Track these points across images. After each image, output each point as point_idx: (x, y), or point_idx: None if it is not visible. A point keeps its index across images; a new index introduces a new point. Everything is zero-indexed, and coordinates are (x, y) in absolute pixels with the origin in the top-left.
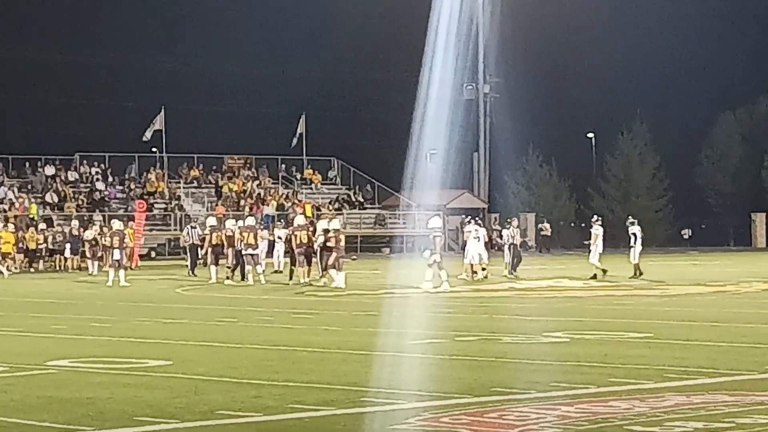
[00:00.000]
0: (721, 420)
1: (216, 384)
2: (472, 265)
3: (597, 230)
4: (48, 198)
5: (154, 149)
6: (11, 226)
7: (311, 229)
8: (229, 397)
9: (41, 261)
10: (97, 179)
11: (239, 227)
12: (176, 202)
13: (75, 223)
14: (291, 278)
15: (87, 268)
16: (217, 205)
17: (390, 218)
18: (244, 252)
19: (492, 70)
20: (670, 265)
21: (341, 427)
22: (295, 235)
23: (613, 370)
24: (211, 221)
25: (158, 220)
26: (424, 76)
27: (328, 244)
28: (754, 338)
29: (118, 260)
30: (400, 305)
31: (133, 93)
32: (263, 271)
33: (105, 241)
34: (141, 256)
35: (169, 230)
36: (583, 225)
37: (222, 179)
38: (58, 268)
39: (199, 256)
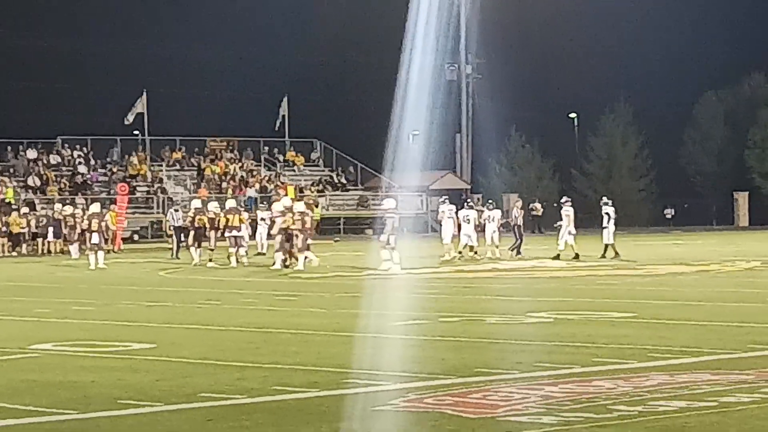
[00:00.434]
0: (704, 399)
1: (200, 366)
2: (468, 246)
3: (567, 211)
4: (30, 182)
5: (136, 132)
6: None
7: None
8: (213, 379)
9: (24, 245)
10: (80, 163)
11: (224, 210)
12: (159, 184)
13: (58, 206)
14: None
15: (69, 252)
16: (199, 187)
17: (373, 200)
18: (227, 234)
19: (474, 50)
20: (653, 245)
21: (325, 409)
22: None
23: (597, 350)
24: (196, 203)
25: (141, 203)
26: (405, 57)
27: (293, 226)
28: (737, 317)
29: (96, 243)
30: (384, 287)
31: (114, 76)
32: (246, 253)
33: (84, 224)
34: (124, 239)
35: (152, 213)
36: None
37: (204, 162)
38: (41, 251)
39: (182, 240)
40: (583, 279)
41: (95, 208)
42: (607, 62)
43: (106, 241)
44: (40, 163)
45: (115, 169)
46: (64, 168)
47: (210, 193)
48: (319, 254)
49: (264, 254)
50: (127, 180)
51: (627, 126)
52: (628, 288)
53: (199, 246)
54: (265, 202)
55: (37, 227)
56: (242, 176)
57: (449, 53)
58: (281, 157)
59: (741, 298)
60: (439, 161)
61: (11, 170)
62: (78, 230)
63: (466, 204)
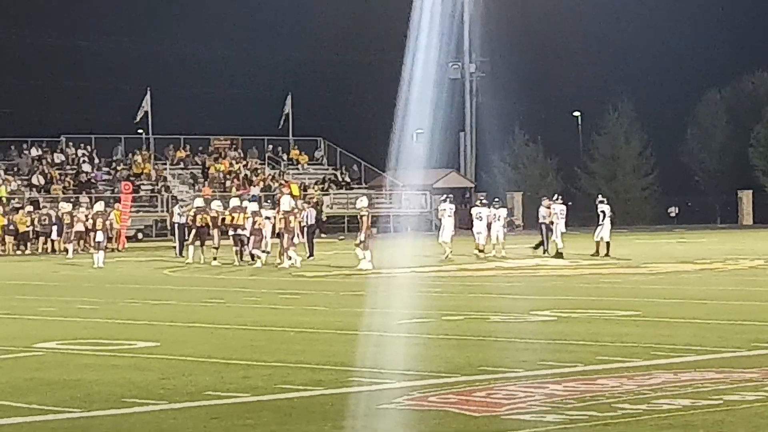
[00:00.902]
0: (708, 397)
1: (204, 365)
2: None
3: (560, 208)
4: (34, 180)
5: (140, 131)
6: None
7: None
8: (218, 377)
9: (28, 243)
10: (84, 161)
11: (229, 210)
12: (163, 183)
13: (62, 205)
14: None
15: (67, 251)
16: (204, 186)
17: (377, 198)
18: (231, 233)
19: (477, 49)
20: (656, 243)
21: (330, 407)
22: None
23: (601, 349)
24: (198, 202)
25: (145, 202)
26: (409, 56)
27: (278, 226)
28: (741, 315)
29: (100, 242)
30: (387, 285)
31: (118, 75)
32: (269, 252)
33: (88, 223)
34: (128, 238)
35: (156, 212)
36: (570, 203)
37: (209, 160)
38: (44, 250)
39: (186, 237)
40: (586, 277)
41: (99, 206)
42: (611, 60)
43: (110, 239)
44: (44, 161)
45: (119, 168)
46: (68, 166)
47: (214, 191)
48: (323, 252)
49: (268, 252)
50: (131, 178)
51: (630, 124)
52: (631, 286)
53: (202, 245)
54: (269, 201)
55: (41, 225)
56: (246, 174)
57: (453, 52)
58: (285, 156)
59: (745, 297)
60: (443, 159)
61: (15, 168)
62: (75, 229)
63: (479, 201)
